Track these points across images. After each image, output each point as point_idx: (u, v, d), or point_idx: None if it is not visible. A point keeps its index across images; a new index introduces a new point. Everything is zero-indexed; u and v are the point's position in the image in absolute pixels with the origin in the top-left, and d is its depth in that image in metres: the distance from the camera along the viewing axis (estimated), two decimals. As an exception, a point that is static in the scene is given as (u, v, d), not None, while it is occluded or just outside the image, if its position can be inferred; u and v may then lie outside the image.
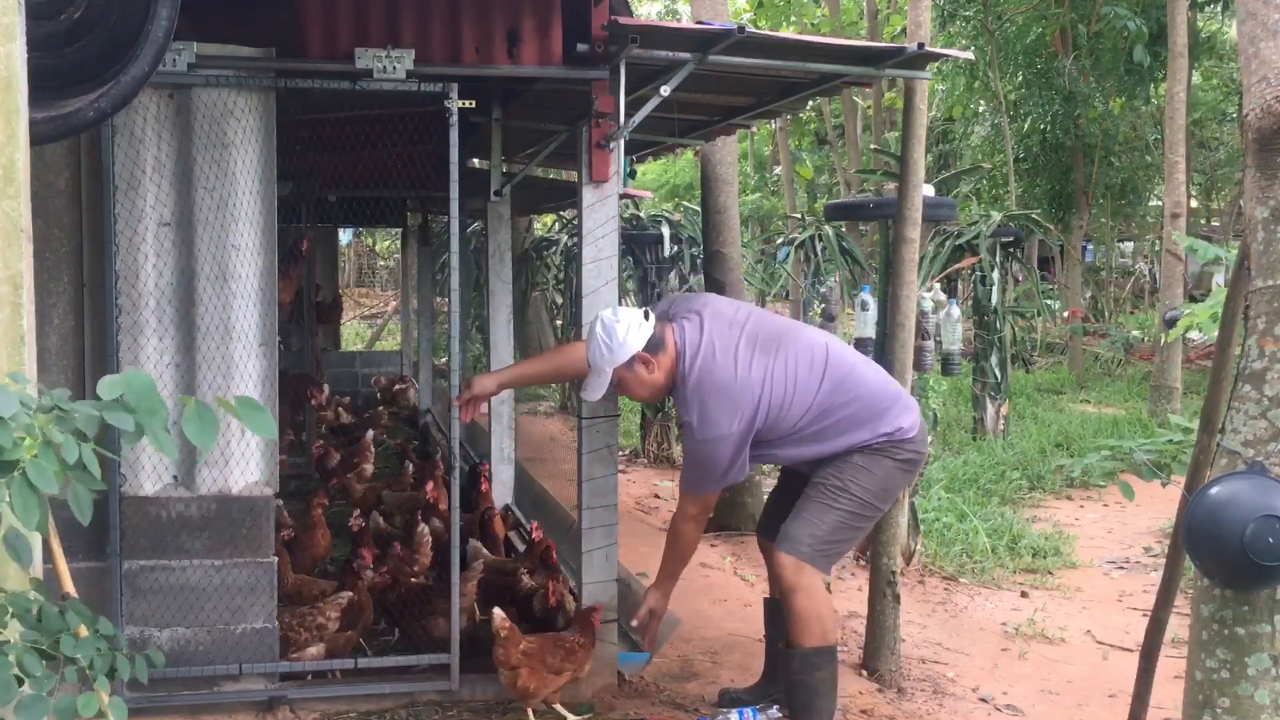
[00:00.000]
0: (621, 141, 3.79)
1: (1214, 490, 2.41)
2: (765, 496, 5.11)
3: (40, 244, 3.35)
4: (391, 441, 7.72)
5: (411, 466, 6.18)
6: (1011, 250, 9.83)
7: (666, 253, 9.37)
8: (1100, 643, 4.94)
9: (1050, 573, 5.96)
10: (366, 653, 4.11)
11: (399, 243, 12.70)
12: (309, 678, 3.81)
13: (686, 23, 5.79)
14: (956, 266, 8.65)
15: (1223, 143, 19.50)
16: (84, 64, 2.71)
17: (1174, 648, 4.19)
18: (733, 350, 3.42)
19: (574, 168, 4.86)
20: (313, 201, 6.43)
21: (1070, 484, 7.94)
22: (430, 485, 5.43)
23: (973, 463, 8.04)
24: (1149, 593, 5.10)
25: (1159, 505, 6.54)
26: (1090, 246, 20.12)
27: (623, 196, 5.20)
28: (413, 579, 4.38)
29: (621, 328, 3.45)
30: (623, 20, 3.49)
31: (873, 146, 17.47)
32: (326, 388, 7.62)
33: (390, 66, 3.49)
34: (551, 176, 9.65)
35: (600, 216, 3.84)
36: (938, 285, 8.01)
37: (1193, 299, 9.87)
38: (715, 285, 6.22)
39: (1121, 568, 6.18)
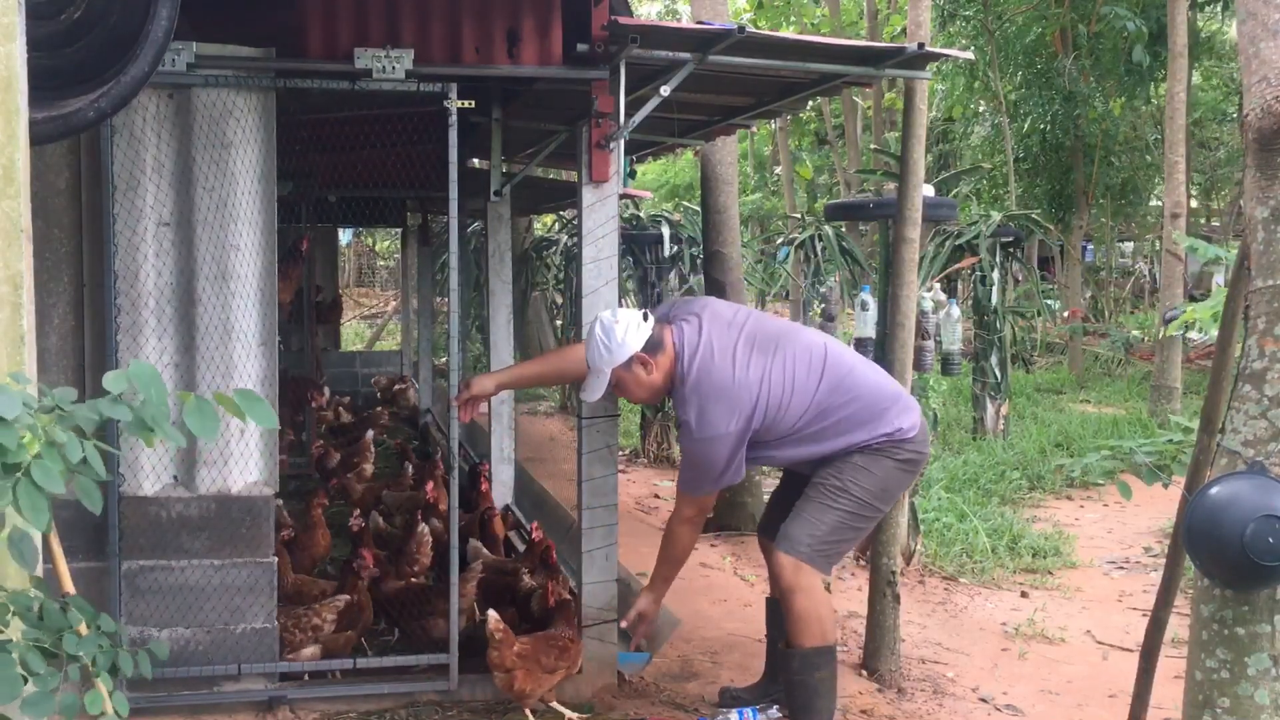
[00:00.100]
0: (621, 141, 3.79)
1: (1214, 490, 2.41)
2: (765, 496, 5.12)
3: (40, 244, 3.35)
4: (391, 441, 7.72)
5: (411, 466, 6.18)
6: (1011, 250, 9.83)
7: (666, 253, 9.36)
8: (1100, 643, 4.94)
9: (1050, 573, 5.96)
10: (366, 653, 4.12)
11: (399, 243, 12.69)
12: (305, 678, 3.82)
13: (686, 23, 5.79)
14: (956, 266, 8.65)
15: (1223, 143, 19.50)
16: (84, 64, 2.71)
17: (1174, 648, 4.19)
18: (731, 350, 3.43)
19: (574, 168, 4.86)
20: (313, 201, 6.43)
21: (1070, 484, 7.93)
22: (430, 485, 5.42)
23: (973, 463, 8.03)
24: (1149, 593, 5.10)
25: (1159, 505, 6.54)
26: (1090, 246, 20.14)
27: (623, 196, 5.20)
28: (411, 578, 4.37)
29: (620, 328, 3.45)
30: (623, 20, 3.49)
31: (873, 146, 17.47)
32: (327, 390, 7.62)
33: (390, 66, 3.49)
34: (551, 176, 9.64)
35: (600, 216, 3.84)
36: (938, 285, 8.01)
37: (1193, 299, 9.85)
38: (715, 285, 6.21)
39: (1121, 568, 6.18)
